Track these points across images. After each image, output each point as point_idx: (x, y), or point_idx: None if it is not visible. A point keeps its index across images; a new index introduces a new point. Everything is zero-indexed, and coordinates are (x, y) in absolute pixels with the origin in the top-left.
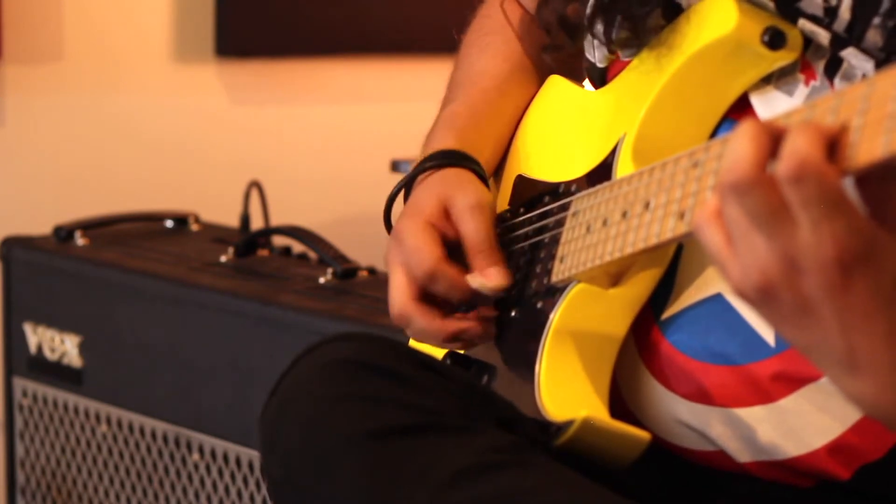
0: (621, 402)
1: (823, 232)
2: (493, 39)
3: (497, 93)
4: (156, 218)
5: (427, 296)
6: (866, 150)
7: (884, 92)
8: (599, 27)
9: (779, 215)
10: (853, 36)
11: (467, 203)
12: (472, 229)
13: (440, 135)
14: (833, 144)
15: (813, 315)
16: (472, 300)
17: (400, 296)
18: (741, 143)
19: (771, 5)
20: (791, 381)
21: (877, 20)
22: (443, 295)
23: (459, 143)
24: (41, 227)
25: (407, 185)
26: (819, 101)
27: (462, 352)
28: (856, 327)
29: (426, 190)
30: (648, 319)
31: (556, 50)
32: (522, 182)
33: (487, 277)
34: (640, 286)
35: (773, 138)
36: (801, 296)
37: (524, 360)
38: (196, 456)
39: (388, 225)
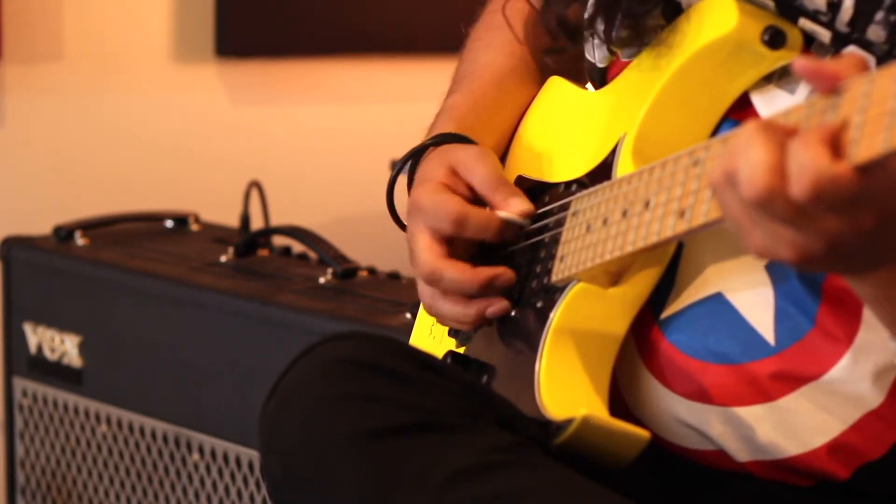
0: (621, 401)
1: (858, 217)
2: (499, 34)
3: (499, 87)
4: (156, 218)
5: (453, 253)
6: (866, 146)
7: (884, 89)
8: (600, 26)
9: (806, 215)
10: (855, 30)
11: (470, 154)
12: (482, 173)
13: (441, 123)
14: (835, 142)
15: (845, 255)
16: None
17: (428, 255)
18: (754, 154)
19: (771, 5)
20: (791, 381)
21: (879, 15)
22: (474, 235)
23: (459, 130)
24: (41, 227)
25: (410, 166)
26: (818, 100)
27: (462, 350)
28: (886, 250)
29: (430, 162)
30: (648, 319)
31: (557, 52)
32: (522, 182)
33: (511, 206)
34: (639, 285)
35: (780, 142)
36: (839, 253)
37: (524, 360)
38: (196, 456)
39: (391, 208)
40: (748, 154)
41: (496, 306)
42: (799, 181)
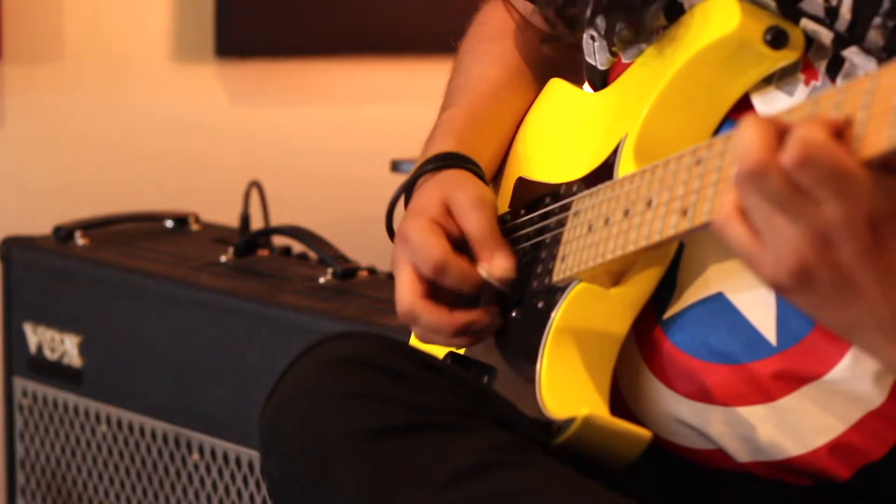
0: (621, 400)
1: (846, 202)
2: (490, 46)
3: (495, 98)
4: (156, 218)
5: (434, 294)
6: (871, 143)
7: (888, 86)
8: (601, 24)
9: (799, 195)
10: (855, 36)
11: (468, 198)
12: (475, 222)
13: (439, 139)
14: (839, 134)
15: (853, 288)
16: (475, 298)
17: (408, 294)
18: (748, 132)
19: (773, 5)
20: (792, 380)
21: (877, 20)
22: (452, 286)
23: (458, 146)
24: (41, 227)
25: (407, 190)
26: (822, 97)
27: (462, 351)
28: (879, 278)
29: (427, 191)
30: (650, 318)
31: (554, 40)
32: (523, 184)
33: (495, 266)
34: (641, 285)
35: (779, 130)
36: (838, 270)
37: (525, 360)
38: (196, 456)
39: (390, 231)
40: (744, 133)
41: (489, 332)
42: (791, 149)
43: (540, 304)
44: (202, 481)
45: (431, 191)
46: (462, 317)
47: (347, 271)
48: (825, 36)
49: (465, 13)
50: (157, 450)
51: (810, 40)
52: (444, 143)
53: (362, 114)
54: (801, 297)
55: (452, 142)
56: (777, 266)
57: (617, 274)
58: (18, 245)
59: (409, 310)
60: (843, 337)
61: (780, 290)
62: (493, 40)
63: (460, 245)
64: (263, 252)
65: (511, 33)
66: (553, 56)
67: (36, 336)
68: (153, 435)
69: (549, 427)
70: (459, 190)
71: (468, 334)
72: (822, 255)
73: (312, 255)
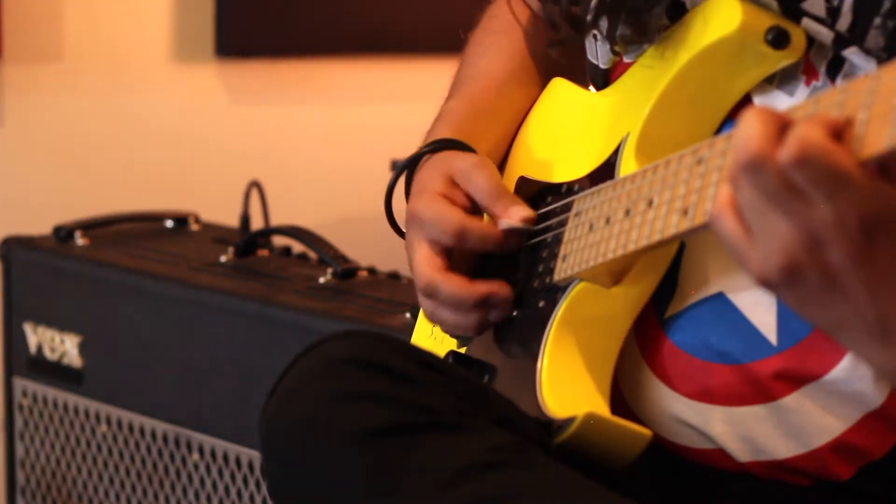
0: (622, 400)
1: (840, 204)
2: (498, 39)
3: (497, 91)
4: (156, 218)
5: (453, 262)
6: (871, 142)
7: (890, 86)
8: (603, 24)
9: (794, 191)
10: (855, 36)
11: (469, 163)
12: (481, 182)
13: (438, 129)
14: (839, 135)
15: (840, 289)
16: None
17: (426, 267)
18: (749, 124)
19: (775, 5)
20: (793, 380)
21: (878, 21)
22: (475, 248)
23: (456, 135)
24: (41, 227)
25: (406, 171)
26: (823, 97)
27: (463, 350)
28: (885, 293)
29: (427, 171)
30: (651, 318)
31: (561, 44)
32: (525, 183)
33: (513, 214)
34: (642, 285)
35: (781, 124)
36: (826, 271)
37: (526, 359)
38: (196, 456)
39: (390, 215)
40: (745, 124)
41: (497, 313)
42: (789, 146)
43: (541, 303)
44: (202, 481)
45: (431, 170)
46: (482, 286)
47: (347, 271)
48: (826, 36)
49: (466, 12)
50: (157, 450)
51: (811, 40)
52: (442, 132)
53: (362, 114)
54: (788, 294)
55: (450, 131)
56: (765, 262)
57: (618, 273)
58: (18, 245)
59: (429, 282)
60: (828, 334)
61: (767, 286)
62: (501, 33)
63: (471, 213)
64: (263, 252)
65: (520, 27)
66: (559, 59)
67: (36, 336)
68: (153, 435)
69: (550, 426)
70: (458, 159)
71: (486, 307)
72: (812, 255)
73: (312, 255)
